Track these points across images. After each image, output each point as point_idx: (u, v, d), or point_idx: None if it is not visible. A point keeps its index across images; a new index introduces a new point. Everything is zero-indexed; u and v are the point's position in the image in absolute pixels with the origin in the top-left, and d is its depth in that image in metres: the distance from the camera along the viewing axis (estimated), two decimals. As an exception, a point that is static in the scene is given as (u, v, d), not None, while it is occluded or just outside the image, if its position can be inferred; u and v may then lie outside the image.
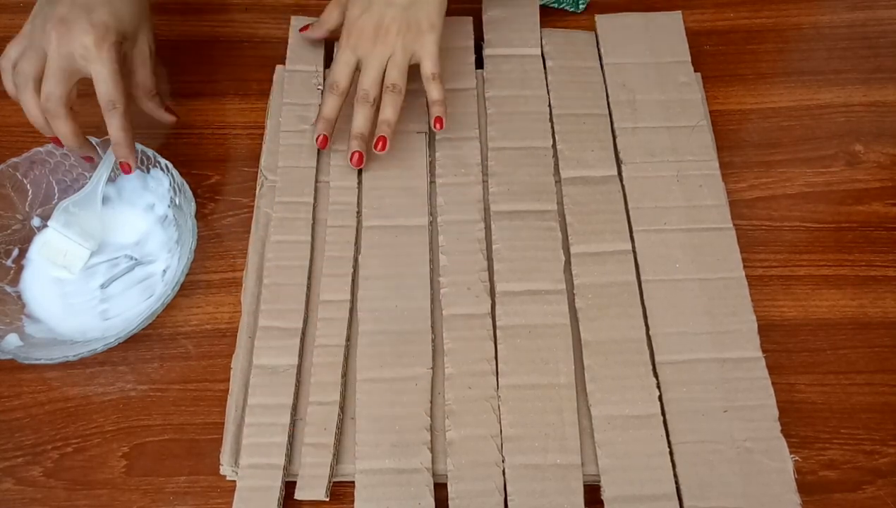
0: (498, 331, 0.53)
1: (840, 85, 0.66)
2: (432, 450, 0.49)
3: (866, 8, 0.71)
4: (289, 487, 0.49)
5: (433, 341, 0.53)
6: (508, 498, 0.47)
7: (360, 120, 0.57)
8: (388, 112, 0.56)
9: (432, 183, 0.59)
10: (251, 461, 0.48)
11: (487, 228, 0.57)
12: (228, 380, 0.52)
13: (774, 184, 0.60)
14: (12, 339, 0.51)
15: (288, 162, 0.60)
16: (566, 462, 0.48)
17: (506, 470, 0.48)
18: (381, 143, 0.57)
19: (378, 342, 0.52)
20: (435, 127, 0.58)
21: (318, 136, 0.58)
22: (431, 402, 0.50)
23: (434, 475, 0.48)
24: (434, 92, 0.58)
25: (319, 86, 0.63)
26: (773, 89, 0.66)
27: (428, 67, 0.57)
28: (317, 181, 0.59)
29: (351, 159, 0.58)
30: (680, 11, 0.68)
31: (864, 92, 0.66)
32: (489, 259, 0.56)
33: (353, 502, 0.48)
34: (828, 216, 0.60)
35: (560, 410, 0.50)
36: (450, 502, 0.47)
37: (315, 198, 0.58)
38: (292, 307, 0.53)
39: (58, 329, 0.54)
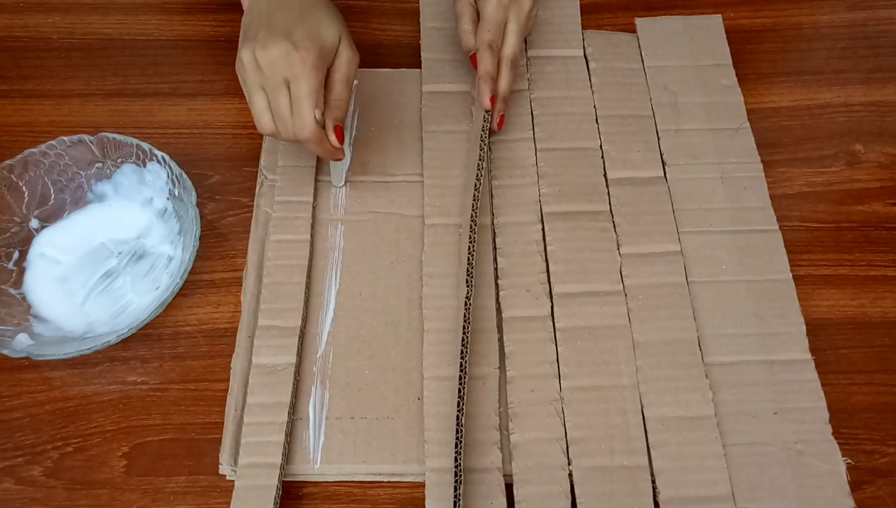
0: (558, 334, 0.53)
1: (840, 85, 0.66)
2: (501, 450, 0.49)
3: (866, 8, 0.71)
4: (286, 486, 0.49)
5: (500, 340, 0.53)
6: (578, 501, 0.47)
7: (506, 84, 0.58)
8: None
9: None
10: (249, 460, 0.48)
11: (543, 230, 0.57)
12: (228, 380, 0.52)
13: (774, 184, 0.60)
14: (23, 339, 0.51)
15: (287, 161, 0.60)
16: (633, 464, 0.48)
17: (573, 473, 0.48)
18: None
19: (444, 340, 0.52)
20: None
21: (490, 98, 0.57)
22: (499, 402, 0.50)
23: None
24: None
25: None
26: (773, 89, 0.66)
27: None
28: (316, 180, 0.59)
29: (500, 125, 0.60)
30: (720, 15, 0.68)
31: (864, 92, 0.66)
32: (545, 261, 0.56)
33: (348, 502, 0.49)
34: (828, 216, 0.60)
35: (624, 412, 0.50)
36: (516, 505, 0.47)
37: (315, 198, 0.58)
38: (291, 306, 0.53)
39: (66, 327, 0.54)
